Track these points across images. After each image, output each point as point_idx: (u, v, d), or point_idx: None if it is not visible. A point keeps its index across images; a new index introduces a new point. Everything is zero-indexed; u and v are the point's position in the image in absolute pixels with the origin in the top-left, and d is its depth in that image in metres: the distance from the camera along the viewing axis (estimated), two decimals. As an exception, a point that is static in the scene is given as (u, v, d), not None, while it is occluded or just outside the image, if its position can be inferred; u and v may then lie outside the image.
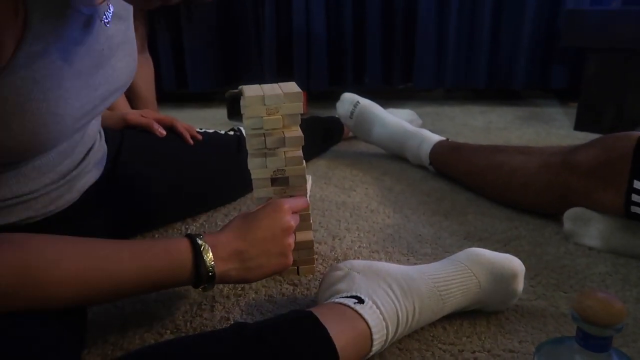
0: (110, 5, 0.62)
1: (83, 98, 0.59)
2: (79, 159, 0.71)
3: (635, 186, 0.77)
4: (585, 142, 0.89)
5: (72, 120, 0.58)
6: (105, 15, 0.61)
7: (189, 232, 0.93)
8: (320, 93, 2.00)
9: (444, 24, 1.91)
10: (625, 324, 0.42)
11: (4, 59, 0.48)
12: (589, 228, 0.84)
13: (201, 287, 0.57)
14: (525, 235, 0.89)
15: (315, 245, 0.79)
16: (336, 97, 1.39)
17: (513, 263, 0.66)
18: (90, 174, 0.74)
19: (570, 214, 0.86)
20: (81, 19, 0.55)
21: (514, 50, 1.89)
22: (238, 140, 1.03)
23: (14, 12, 0.47)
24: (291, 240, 0.61)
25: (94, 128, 0.76)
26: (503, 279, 0.65)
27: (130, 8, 0.69)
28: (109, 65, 0.64)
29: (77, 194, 0.72)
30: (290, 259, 0.62)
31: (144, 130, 0.94)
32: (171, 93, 2.10)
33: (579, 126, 1.58)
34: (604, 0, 1.75)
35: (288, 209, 0.61)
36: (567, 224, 0.87)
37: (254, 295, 0.73)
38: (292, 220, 0.62)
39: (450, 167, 1.14)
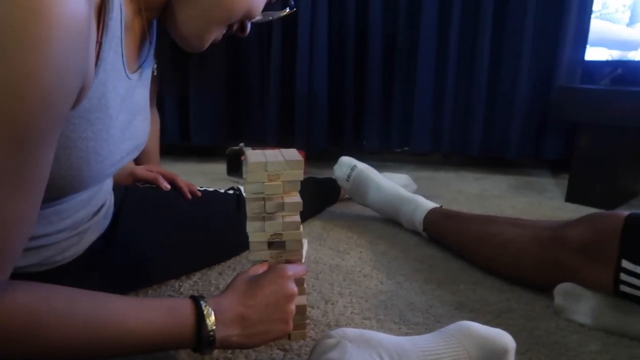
0: (152, 69, 0.67)
1: (118, 146, 0.63)
2: (93, 212, 0.74)
3: (623, 265, 0.79)
4: (576, 215, 0.91)
5: (108, 165, 0.61)
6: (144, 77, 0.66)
7: (181, 289, 0.93)
8: (319, 152, 2.04)
9: (442, 92, 1.99)
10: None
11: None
12: (580, 304, 0.85)
13: (200, 351, 0.57)
14: (517, 308, 0.90)
15: (308, 309, 0.79)
16: (334, 157, 1.43)
17: (504, 339, 0.66)
18: (98, 229, 0.76)
19: (560, 289, 0.87)
20: (128, 82, 0.61)
21: (508, 120, 1.96)
22: (237, 200, 1.05)
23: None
24: (293, 307, 0.62)
25: (109, 184, 0.78)
26: (494, 354, 0.65)
27: (150, 76, 0.74)
28: (134, 123, 0.68)
29: (83, 247, 0.73)
30: (291, 326, 0.62)
31: (147, 186, 0.96)
32: (173, 145, 2.14)
33: (570, 198, 1.61)
34: (594, 79, 1.83)
35: (292, 276, 0.62)
36: (558, 299, 0.87)
37: None
38: (295, 288, 0.62)
39: (444, 235, 1.15)
